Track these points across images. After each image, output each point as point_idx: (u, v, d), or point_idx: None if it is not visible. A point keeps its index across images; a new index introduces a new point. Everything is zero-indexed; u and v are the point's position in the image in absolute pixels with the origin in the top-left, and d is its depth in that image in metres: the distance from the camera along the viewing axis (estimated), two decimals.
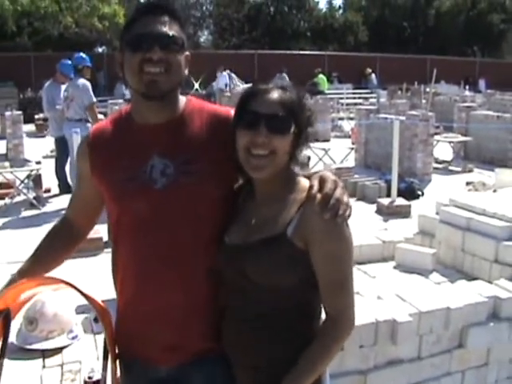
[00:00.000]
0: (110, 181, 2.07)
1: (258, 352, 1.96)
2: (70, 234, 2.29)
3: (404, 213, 8.89)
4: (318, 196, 1.82)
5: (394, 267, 4.91)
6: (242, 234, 1.97)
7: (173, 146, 2.03)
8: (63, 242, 2.28)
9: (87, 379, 3.03)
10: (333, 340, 1.90)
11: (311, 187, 1.87)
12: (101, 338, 3.50)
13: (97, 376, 2.95)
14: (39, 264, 2.17)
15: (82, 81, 9.56)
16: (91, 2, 26.29)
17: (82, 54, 10.11)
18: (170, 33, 1.96)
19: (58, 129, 10.18)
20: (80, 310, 3.71)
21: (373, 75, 30.37)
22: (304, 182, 1.96)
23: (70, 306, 3.59)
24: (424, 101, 18.57)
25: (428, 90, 19.22)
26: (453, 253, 4.89)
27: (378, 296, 3.69)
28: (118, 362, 2.15)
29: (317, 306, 1.98)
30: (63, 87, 10.21)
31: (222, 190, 2.05)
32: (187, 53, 2.05)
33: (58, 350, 3.42)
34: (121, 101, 18.58)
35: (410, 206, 9.06)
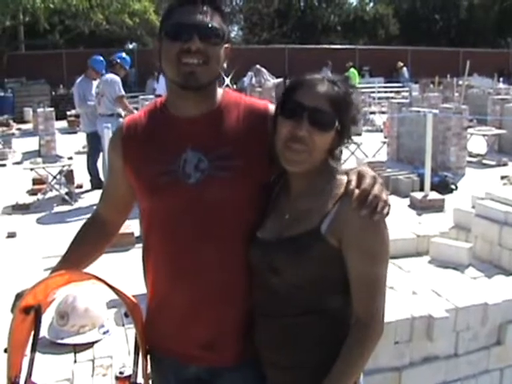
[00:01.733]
0: (142, 174, 2.02)
1: (291, 352, 1.91)
2: (102, 229, 2.26)
3: (438, 207, 8.78)
4: (356, 191, 1.75)
5: (429, 262, 4.84)
6: (275, 229, 1.91)
7: (207, 140, 1.97)
8: (95, 238, 2.25)
9: (118, 374, 3.02)
10: (364, 345, 1.83)
11: (349, 182, 1.80)
12: (132, 332, 3.51)
13: (128, 371, 2.93)
14: (72, 263, 2.14)
15: (110, 75, 9.73)
16: None
17: (124, 54, 10.21)
18: (211, 24, 1.90)
19: (90, 124, 10.28)
20: (111, 305, 3.71)
21: (404, 69, 30.13)
22: (342, 178, 1.88)
23: (102, 300, 3.59)
24: (457, 94, 18.35)
25: (461, 83, 18.98)
26: (489, 247, 4.81)
27: (413, 291, 3.63)
28: (148, 357, 2.12)
29: (348, 305, 1.88)
30: (95, 83, 10.30)
31: (257, 186, 2.00)
32: (227, 45, 1.99)
33: (89, 345, 3.42)
34: (152, 96, 18.68)
35: (443, 200, 8.95)
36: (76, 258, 2.18)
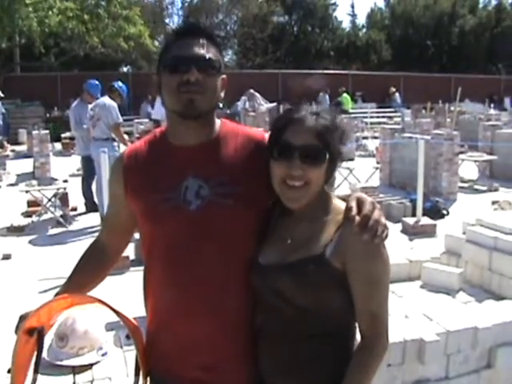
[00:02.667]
0: (144, 202, 2.08)
1: (297, 376, 1.95)
2: (104, 255, 2.32)
3: (429, 232, 8.83)
4: (357, 218, 1.83)
5: (421, 286, 4.91)
6: (277, 254, 1.97)
7: (207, 168, 2.04)
8: (97, 263, 2.30)
9: None
10: (369, 363, 1.90)
11: (349, 209, 1.87)
12: (130, 354, 3.54)
13: None
14: (75, 287, 2.19)
15: (108, 100, 9.64)
16: (117, 23, 26.63)
17: (120, 82, 10.17)
18: (208, 55, 1.98)
19: (85, 148, 10.30)
20: (109, 327, 3.74)
21: (397, 94, 30.27)
22: (339, 204, 1.97)
23: (100, 323, 3.61)
24: (448, 119, 18.51)
25: (452, 108, 19.15)
26: (480, 272, 4.88)
27: (406, 315, 3.69)
28: (148, 378, 2.16)
29: (353, 327, 1.98)
30: (90, 106, 10.34)
31: (256, 212, 2.06)
32: (223, 76, 2.07)
33: (88, 367, 3.43)
34: (146, 120, 18.77)
35: (435, 225, 9.00)
36: (79, 283, 2.22)
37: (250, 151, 2.09)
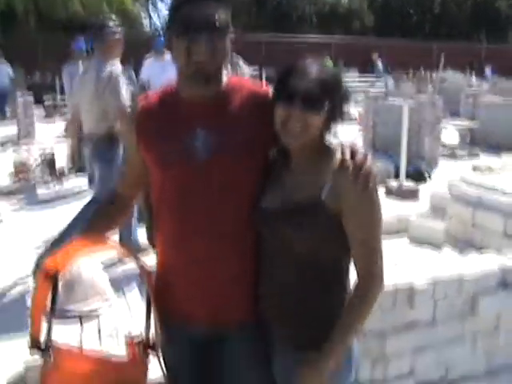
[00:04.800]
0: (155, 151, 2.21)
1: (299, 315, 2.11)
2: (119, 202, 2.47)
3: (413, 195, 8.96)
4: (351, 166, 1.98)
5: (408, 241, 5.09)
6: (277, 199, 2.11)
7: (214, 121, 2.17)
8: (113, 210, 2.46)
9: (129, 340, 3.13)
10: (367, 299, 2.05)
11: (344, 157, 2.01)
12: (133, 304, 3.67)
13: (136, 338, 3.04)
14: (91, 232, 2.31)
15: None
16: None
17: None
18: (218, 20, 2.06)
19: None
20: (111, 278, 3.85)
21: (379, 61, 30.20)
22: (336, 152, 2.09)
23: (104, 273, 3.72)
24: (430, 87, 18.61)
25: (434, 76, 19.27)
26: (463, 227, 5.07)
27: (396, 263, 3.87)
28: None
29: (348, 265, 2.14)
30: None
31: (258, 161, 2.20)
32: (231, 34, 2.16)
33: (94, 316, 3.53)
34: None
35: (418, 188, 9.16)
36: (96, 228, 2.36)
37: (254, 105, 2.21)
